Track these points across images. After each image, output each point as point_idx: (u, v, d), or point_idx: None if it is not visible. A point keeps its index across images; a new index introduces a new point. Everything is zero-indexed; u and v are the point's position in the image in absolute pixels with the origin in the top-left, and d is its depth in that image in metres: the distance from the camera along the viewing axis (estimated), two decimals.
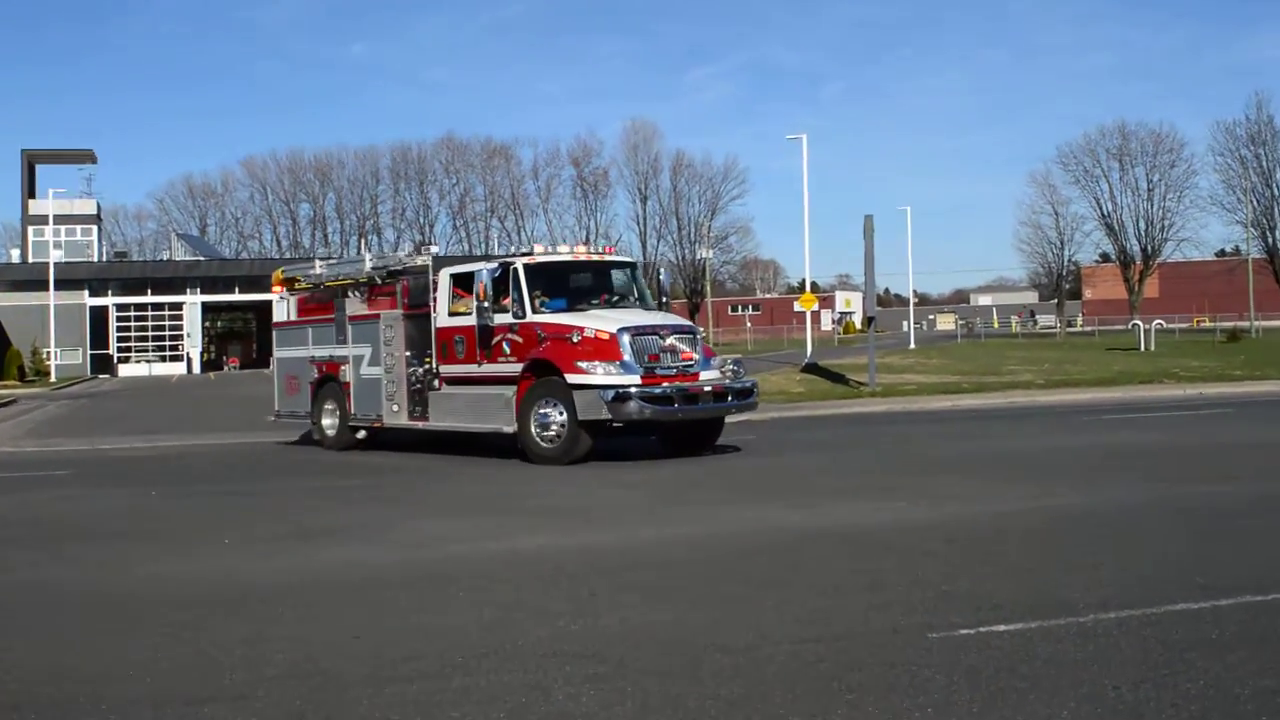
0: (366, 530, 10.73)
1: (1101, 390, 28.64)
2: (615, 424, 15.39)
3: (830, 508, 11.28)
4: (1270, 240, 78.34)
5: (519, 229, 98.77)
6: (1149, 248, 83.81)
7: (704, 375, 16.20)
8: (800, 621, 6.82)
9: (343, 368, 18.87)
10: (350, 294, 19.17)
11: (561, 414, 15.36)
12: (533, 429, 15.59)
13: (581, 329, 15.71)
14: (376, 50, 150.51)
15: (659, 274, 21.00)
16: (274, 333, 21.44)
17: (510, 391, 16.05)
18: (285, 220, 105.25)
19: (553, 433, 15.44)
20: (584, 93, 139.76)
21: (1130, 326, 57.14)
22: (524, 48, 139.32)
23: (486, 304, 16.37)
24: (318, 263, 21.53)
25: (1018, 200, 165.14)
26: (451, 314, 17.22)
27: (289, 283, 21.01)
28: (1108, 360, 40.19)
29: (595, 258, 18.09)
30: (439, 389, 17.45)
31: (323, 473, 16.21)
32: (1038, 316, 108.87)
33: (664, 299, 18.78)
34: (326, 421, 19.27)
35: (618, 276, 17.81)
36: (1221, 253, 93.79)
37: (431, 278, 17.65)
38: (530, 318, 16.13)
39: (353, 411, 18.66)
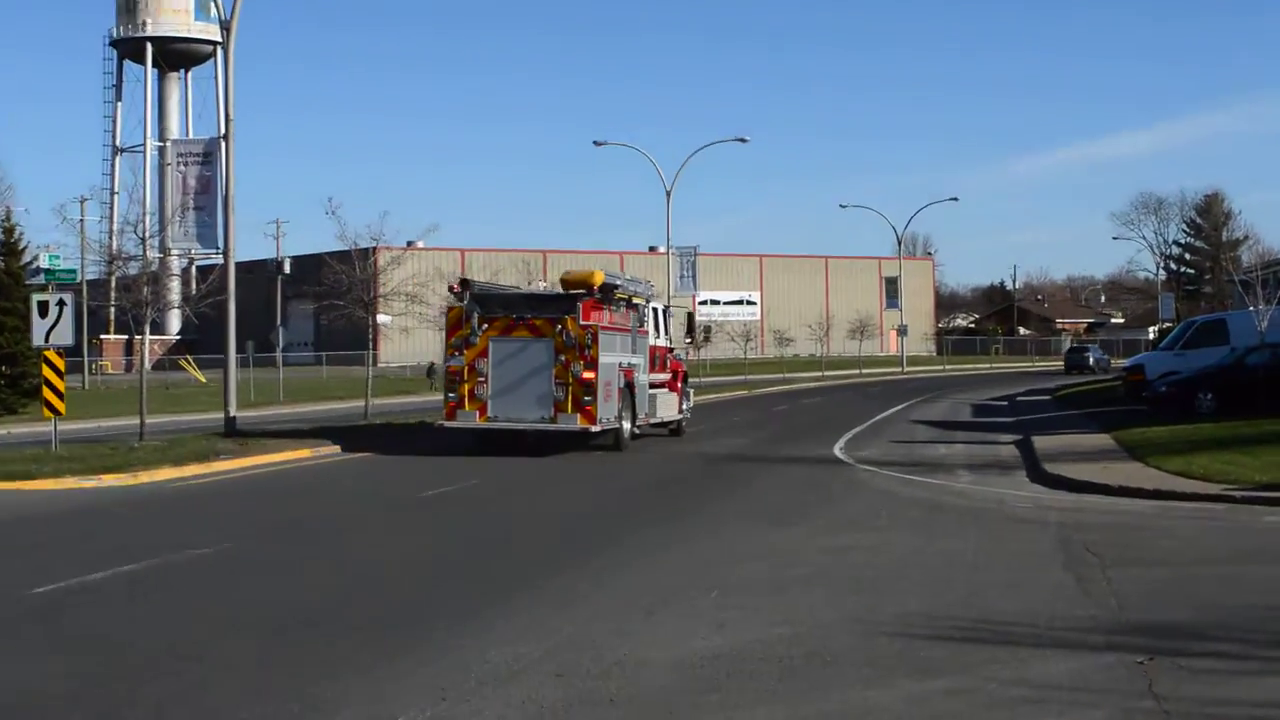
0: None
1: None
2: None
3: None
4: None
5: None
6: None
7: None
8: None
9: (636, 374, 22.59)
10: (622, 309, 22.46)
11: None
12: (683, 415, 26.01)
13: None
14: None
15: None
16: (600, 336, 21.37)
17: (671, 393, 25.06)
18: None
19: (688, 417, 26.57)
20: None
21: None
22: None
23: (676, 334, 25.58)
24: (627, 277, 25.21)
25: None
26: (656, 337, 24.56)
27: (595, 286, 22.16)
28: None
29: None
30: (651, 394, 23.56)
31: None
32: None
33: None
34: (626, 425, 22.12)
35: None
36: None
37: (649, 307, 24.34)
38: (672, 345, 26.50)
39: (639, 414, 22.76)
